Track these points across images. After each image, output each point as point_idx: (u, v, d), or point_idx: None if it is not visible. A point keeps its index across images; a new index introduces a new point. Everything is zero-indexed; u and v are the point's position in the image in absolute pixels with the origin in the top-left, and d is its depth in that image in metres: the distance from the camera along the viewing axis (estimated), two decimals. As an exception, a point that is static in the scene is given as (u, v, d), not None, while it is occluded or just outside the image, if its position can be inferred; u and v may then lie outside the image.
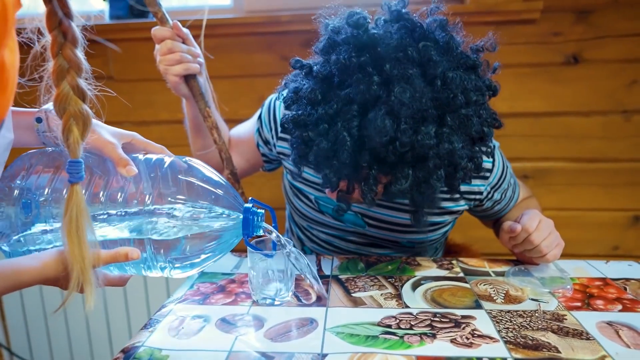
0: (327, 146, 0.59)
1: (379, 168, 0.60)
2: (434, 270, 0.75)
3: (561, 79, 1.28)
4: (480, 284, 0.70)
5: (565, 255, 1.37)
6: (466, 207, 0.84)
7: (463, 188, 0.79)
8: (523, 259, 0.77)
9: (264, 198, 0.83)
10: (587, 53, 1.26)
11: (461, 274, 0.73)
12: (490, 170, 0.80)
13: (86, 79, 0.47)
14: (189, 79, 0.80)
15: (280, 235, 0.64)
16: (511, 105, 1.31)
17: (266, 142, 0.91)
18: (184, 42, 0.79)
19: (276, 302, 0.66)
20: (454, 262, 0.79)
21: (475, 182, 0.80)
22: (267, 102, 0.92)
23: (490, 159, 0.80)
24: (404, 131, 0.56)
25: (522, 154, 1.34)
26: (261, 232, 0.63)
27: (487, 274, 0.74)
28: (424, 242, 0.88)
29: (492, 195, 0.83)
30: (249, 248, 0.65)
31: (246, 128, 0.96)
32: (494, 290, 0.67)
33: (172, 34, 0.77)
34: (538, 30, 1.25)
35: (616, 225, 1.35)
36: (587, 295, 0.65)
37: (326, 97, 0.61)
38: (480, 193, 0.81)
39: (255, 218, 0.60)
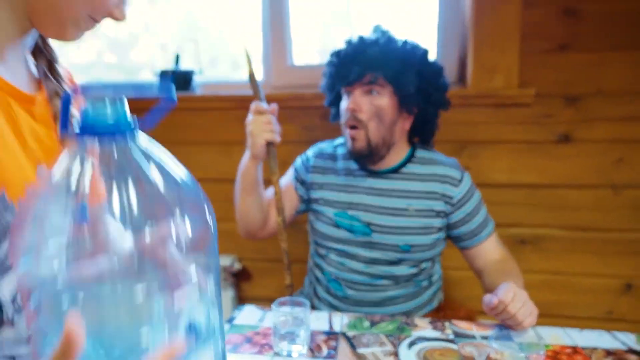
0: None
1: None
2: (428, 331, 0.88)
3: (554, 156, 1.42)
4: (466, 346, 0.82)
5: (561, 316, 1.47)
6: (443, 207, 1.08)
7: (439, 189, 1.08)
8: (504, 324, 0.89)
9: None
10: (577, 133, 1.41)
11: (451, 336, 0.86)
12: (460, 181, 1.09)
13: None
14: (270, 144, 1.05)
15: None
16: (509, 177, 1.45)
17: (302, 182, 1.19)
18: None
19: (293, 354, 0.79)
20: (446, 324, 0.91)
21: (447, 187, 1.08)
22: (298, 158, 1.21)
23: (459, 173, 1.09)
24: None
25: (519, 221, 1.47)
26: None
27: (473, 337, 0.86)
28: (417, 246, 1.08)
29: (463, 206, 1.08)
30: (272, 306, 0.79)
31: (284, 181, 1.21)
32: (478, 353, 0.80)
33: (269, 111, 1.03)
34: (532, 112, 1.41)
35: (609, 291, 1.45)
36: (556, 361, 0.77)
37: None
38: (452, 198, 1.08)
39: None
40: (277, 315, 0.80)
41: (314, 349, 0.81)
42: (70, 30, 0.56)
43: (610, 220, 1.42)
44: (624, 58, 1.35)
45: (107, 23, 0.59)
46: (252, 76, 1.02)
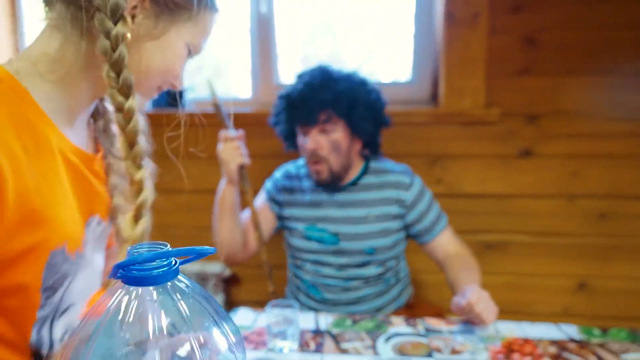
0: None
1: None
2: (402, 328, 1.01)
3: (518, 169, 1.58)
4: (434, 340, 0.95)
5: (523, 313, 1.62)
6: (398, 211, 1.21)
7: (393, 195, 1.22)
8: (469, 321, 1.03)
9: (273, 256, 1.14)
10: (537, 149, 1.56)
11: (422, 331, 0.99)
12: (411, 185, 1.22)
13: None
14: (241, 167, 1.15)
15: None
16: (478, 188, 1.60)
17: (275, 202, 1.30)
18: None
19: (285, 350, 0.91)
20: (419, 320, 1.04)
21: (400, 192, 1.21)
22: (267, 181, 1.34)
23: (410, 178, 1.23)
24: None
25: (487, 228, 1.61)
26: None
27: (441, 332, 0.99)
28: (380, 248, 1.21)
29: (415, 207, 1.21)
30: (266, 308, 0.91)
31: (259, 203, 1.31)
32: (444, 345, 0.93)
33: (238, 137, 1.13)
34: (497, 130, 1.56)
35: (565, 290, 1.61)
36: (509, 350, 0.91)
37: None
38: (405, 201, 1.21)
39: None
40: (270, 316, 0.92)
41: (303, 345, 0.93)
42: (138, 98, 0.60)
43: (566, 226, 1.58)
44: (578, 82, 1.51)
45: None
46: (217, 106, 1.09)
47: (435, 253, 1.25)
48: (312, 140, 1.17)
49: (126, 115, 0.55)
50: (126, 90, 0.54)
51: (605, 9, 1.45)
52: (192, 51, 0.63)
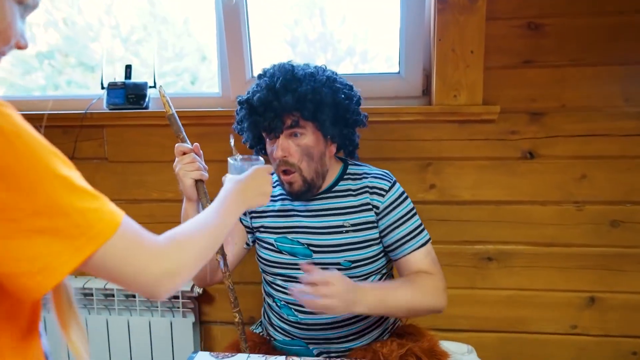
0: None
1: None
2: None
3: (519, 172, 1.41)
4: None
5: (527, 332, 1.47)
6: (374, 218, 1.08)
7: (369, 200, 1.09)
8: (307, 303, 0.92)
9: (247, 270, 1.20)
10: (541, 150, 1.39)
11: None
12: (388, 191, 1.09)
13: None
14: (198, 183, 1.02)
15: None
16: (473, 194, 1.43)
17: (245, 213, 1.12)
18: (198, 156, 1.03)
19: None
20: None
21: (375, 197, 1.09)
22: None
23: (388, 184, 1.09)
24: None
25: (484, 238, 1.45)
26: None
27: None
28: (358, 261, 1.09)
29: (389, 214, 1.08)
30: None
31: None
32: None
33: (192, 150, 1.01)
34: (497, 129, 1.39)
35: (572, 306, 1.45)
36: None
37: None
38: (378, 207, 1.08)
39: None
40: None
41: None
42: None
43: (572, 236, 1.42)
44: (587, 74, 1.34)
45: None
46: (171, 117, 1.00)
47: (402, 273, 1.10)
48: (280, 147, 1.06)
49: None
50: None
51: (618, -10, 1.28)
52: (23, 1, 0.57)
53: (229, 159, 0.95)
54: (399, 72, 1.49)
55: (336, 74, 1.10)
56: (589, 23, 1.31)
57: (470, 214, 1.45)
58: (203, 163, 1.03)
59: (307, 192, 1.09)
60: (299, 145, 1.06)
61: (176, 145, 1.02)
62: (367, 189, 1.10)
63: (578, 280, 1.44)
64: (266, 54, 1.58)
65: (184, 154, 1.01)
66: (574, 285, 1.44)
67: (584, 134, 1.37)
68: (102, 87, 1.52)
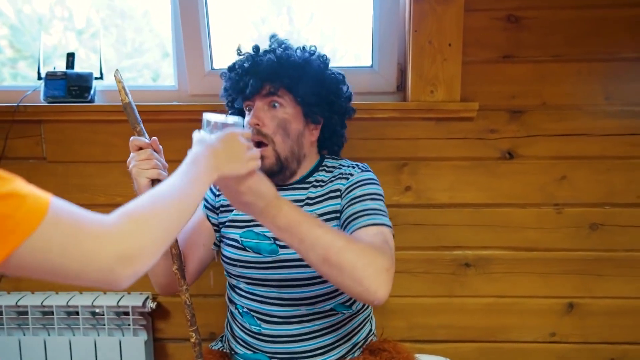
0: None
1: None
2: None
3: (498, 173, 1.33)
4: None
5: (506, 342, 1.40)
6: (339, 206, 0.98)
7: (336, 186, 1.00)
8: None
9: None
10: (521, 149, 1.32)
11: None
12: (353, 175, 1.00)
13: None
14: (155, 183, 0.88)
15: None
16: (451, 196, 1.35)
17: (212, 209, 1.08)
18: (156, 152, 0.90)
19: None
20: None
21: (341, 182, 1.00)
22: None
23: (358, 171, 1.02)
24: None
25: (462, 243, 1.37)
26: None
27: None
28: None
29: (348, 194, 0.98)
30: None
31: (194, 217, 1.07)
32: None
33: (149, 145, 0.88)
34: (475, 127, 1.31)
35: (552, 312, 1.39)
36: None
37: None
38: (341, 190, 1.00)
39: None
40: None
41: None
42: None
43: (552, 240, 1.36)
44: (570, 70, 1.28)
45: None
46: (127, 106, 0.88)
47: None
48: (255, 115, 0.98)
49: None
50: None
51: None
52: None
53: (204, 113, 0.82)
54: (371, 66, 1.38)
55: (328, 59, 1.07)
56: (570, 16, 1.25)
57: (448, 218, 1.36)
58: (163, 160, 0.91)
59: (279, 172, 0.99)
60: (275, 116, 0.98)
61: (131, 138, 0.88)
62: (337, 176, 1.02)
63: (558, 286, 1.38)
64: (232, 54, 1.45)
65: (140, 149, 0.89)
66: (554, 291, 1.38)
67: (565, 134, 1.31)
68: (39, 78, 1.34)
